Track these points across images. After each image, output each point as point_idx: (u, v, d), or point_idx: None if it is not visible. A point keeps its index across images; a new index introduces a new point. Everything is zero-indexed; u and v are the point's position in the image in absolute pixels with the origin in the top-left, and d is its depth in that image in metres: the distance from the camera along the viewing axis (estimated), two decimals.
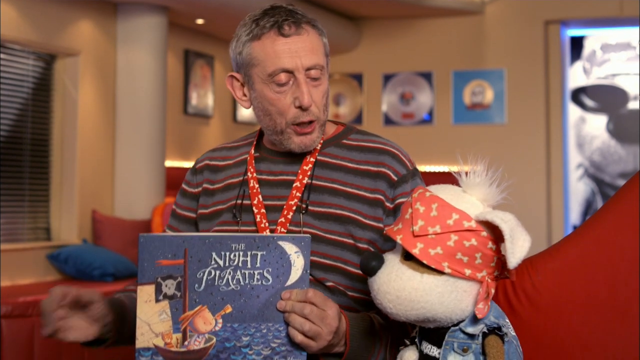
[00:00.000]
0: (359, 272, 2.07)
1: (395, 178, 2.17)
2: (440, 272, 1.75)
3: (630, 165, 9.16)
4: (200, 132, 8.50)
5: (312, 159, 2.19)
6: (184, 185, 2.36)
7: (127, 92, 7.23)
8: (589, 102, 9.38)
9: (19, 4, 6.29)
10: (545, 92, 9.22)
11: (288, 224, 2.14)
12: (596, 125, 9.35)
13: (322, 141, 2.22)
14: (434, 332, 1.81)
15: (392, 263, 1.79)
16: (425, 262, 1.74)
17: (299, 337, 1.87)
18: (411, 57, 9.58)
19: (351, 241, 2.12)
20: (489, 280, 1.77)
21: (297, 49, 2.09)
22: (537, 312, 1.97)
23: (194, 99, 8.39)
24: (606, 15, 9.01)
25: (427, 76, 9.55)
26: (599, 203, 9.26)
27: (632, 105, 9.20)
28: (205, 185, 2.30)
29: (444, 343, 1.79)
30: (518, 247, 1.70)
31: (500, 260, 1.79)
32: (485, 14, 9.36)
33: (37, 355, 5.24)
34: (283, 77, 2.10)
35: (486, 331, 1.76)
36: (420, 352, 1.85)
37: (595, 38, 9.41)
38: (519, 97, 9.25)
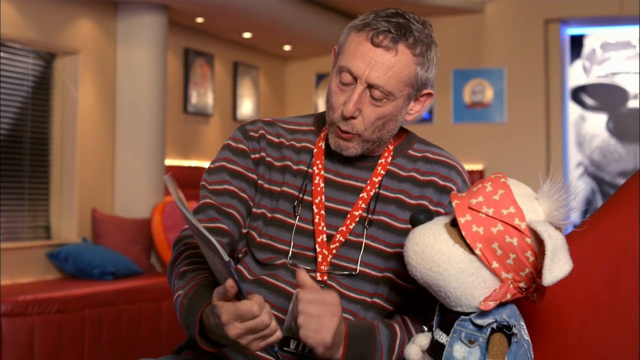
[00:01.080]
0: (404, 284, 2.09)
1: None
2: (472, 252, 1.77)
3: (630, 164, 9.16)
4: (200, 130, 8.50)
5: (383, 171, 2.14)
6: (235, 144, 2.19)
7: (127, 90, 7.23)
8: (588, 100, 9.39)
9: (19, 3, 6.29)
10: (545, 90, 9.22)
11: (348, 234, 2.09)
12: (596, 124, 9.35)
13: (392, 149, 2.17)
14: (449, 322, 1.82)
15: (437, 223, 1.83)
16: (463, 233, 1.76)
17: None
18: None
19: None
20: (511, 286, 1.77)
21: (374, 61, 2.00)
22: (535, 310, 1.97)
23: (193, 98, 8.39)
24: (606, 14, 9.02)
25: None
26: (599, 202, 9.26)
27: (632, 104, 9.21)
28: (263, 154, 2.16)
29: (451, 331, 1.80)
30: (557, 266, 1.70)
31: (531, 276, 1.78)
32: (485, 13, 9.36)
33: (37, 353, 5.24)
34: (346, 77, 2.04)
35: (495, 327, 1.77)
36: (432, 338, 1.86)
37: (595, 37, 9.41)
38: (519, 95, 9.25)
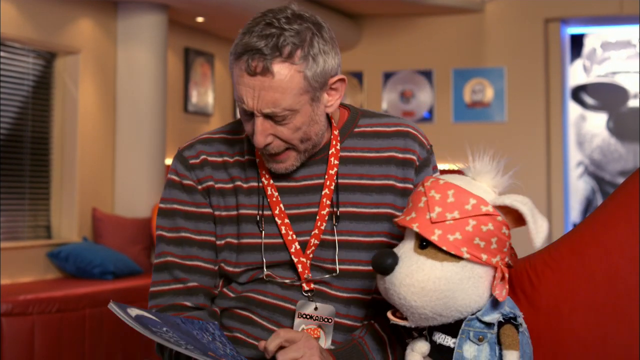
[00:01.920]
0: None
1: (418, 163, 2.11)
2: (459, 258, 1.76)
3: (630, 163, 9.16)
4: (201, 130, 8.50)
5: (336, 161, 2.08)
6: (180, 180, 2.13)
7: (128, 90, 7.23)
8: (589, 100, 9.38)
9: (19, 2, 6.29)
10: (546, 90, 9.22)
11: (322, 235, 2.05)
12: (596, 124, 9.35)
13: (337, 135, 2.10)
14: (448, 323, 1.81)
15: (408, 255, 1.78)
16: (444, 248, 1.75)
17: None
18: (411, 55, 9.58)
19: (386, 239, 2.06)
20: (502, 265, 1.79)
21: (257, 90, 1.92)
22: (536, 312, 1.97)
23: (194, 97, 8.39)
24: (606, 14, 9.01)
25: (427, 74, 9.55)
26: (599, 201, 9.26)
27: (632, 103, 9.20)
28: (210, 183, 2.09)
29: (460, 332, 1.79)
30: (540, 227, 1.75)
31: (511, 247, 1.82)
32: (485, 12, 9.35)
33: (37, 353, 5.24)
34: (242, 109, 1.98)
35: (502, 320, 1.78)
36: (433, 342, 1.84)
37: (595, 36, 9.41)
38: (519, 95, 9.25)
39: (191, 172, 2.11)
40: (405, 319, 1.81)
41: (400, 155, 2.10)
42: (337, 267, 2.05)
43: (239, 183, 2.09)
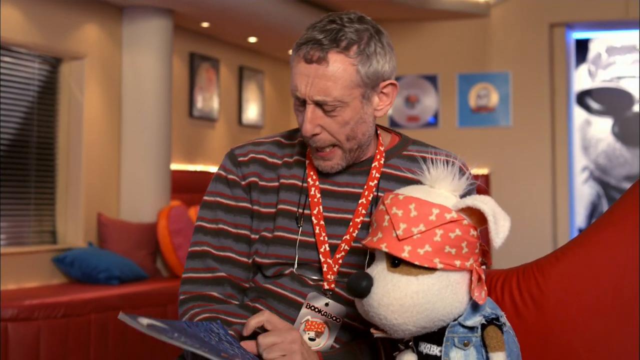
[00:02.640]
0: None
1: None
2: (433, 270, 1.76)
3: (636, 168, 9.15)
4: (206, 135, 8.50)
5: (378, 174, 2.15)
6: (226, 174, 2.22)
7: (133, 95, 7.24)
8: (594, 105, 9.38)
9: (25, 8, 6.30)
10: (551, 95, 9.22)
11: (352, 242, 2.10)
12: (601, 128, 9.34)
13: (383, 151, 2.18)
14: (432, 332, 1.81)
15: (382, 275, 1.79)
16: (417, 263, 1.75)
17: None
18: (416, 60, 9.58)
19: None
20: (477, 267, 1.79)
21: (312, 78, 2.03)
22: (543, 315, 1.97)
23: (199, 102, 8.39)
24: (611, 18, 9.01)
25: (432, 79, 9.55)
26: (605, 206, 9.25)
27: (638, 108, 9.20)
28: (253, 179, 2.19)
29: (444, 339, 1.79)
30: (501, 226, 1.74)
31: (482, 247, 1.83)
32: (490, 17, 9.36)
33: (42, 358, 5.24)
34: (297, 98, 2.07)
35: (485, 322, 1.78)
36: (420, 353, 1.84)
37: (600, 41, 9.41)
38: (524, 100, 9.25)
39: (237, 168, 2.21)
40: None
41: None
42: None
43: (283, 181, 2.17)
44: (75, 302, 5.49)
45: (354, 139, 2.09)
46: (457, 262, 1.77)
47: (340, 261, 2.10)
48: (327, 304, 2.08)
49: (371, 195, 2.13)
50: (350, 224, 2.11)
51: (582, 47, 9.43)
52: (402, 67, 9.63)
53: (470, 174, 2.11)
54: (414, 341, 1.86)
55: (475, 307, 1.79)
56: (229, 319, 2.07)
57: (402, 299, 1.75)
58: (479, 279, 1.78)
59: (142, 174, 7.19)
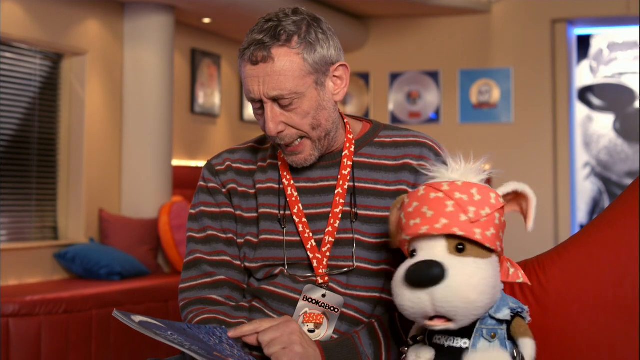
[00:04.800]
0: None
1: None
2: (490, 253, 1.79)
3: (637, 164, 9.14)
4: (207, 131, 8.51)
5: (350, 163, 2.16)
6: (206, 184, 2.26)
7: (134, 91, 7.24)
8: (595, 101, 9.38)
9: (26, 3, 6.30)
10: (552, 91, 9.22)
11: (336, 233, 2.12)
12: (603, 124, 9.34)
13: (353, 139, 2.19)
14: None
15: (451, 260, 1.75)
16: (488, 245, 1.78)
17: None
18: (418, 56, 9.58)
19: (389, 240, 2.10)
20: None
21: (262, 77, 2.05)
22: (544, 311, 1.97)
23: (200, 98, 8.39)
24: (613, 14, 9.01)
25: (433, 75, 9.55)
26: (606, 202, 9.25)
27: (639, 104, 9.19)
28: (232, 186, 2.22)
29: (474, 331, 1.79)
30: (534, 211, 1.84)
31: None
32: (491, 13, 9.35)
33: (44, 354, 5.25)
34: (254, 102, 2.09)
35: (512, 315, 1.80)
36: (440, 346, 1.83)
37: (602, 37, 9.40)
38: (526, 96, 9.25)
39: (216, 177, 2.25)
40: (450, 320, 1.76)
41: (414, 163, 2.15)
42: (355, 263, 2.11)
43: (259, 185, 2.20)
44: (76, 298, 5.49)
45: (319, 127, 2.10)
46: (501, 246, 1.83)
47: (327, 254, 2.11)
48: (324, 295, 2.10)
49: (346, 184, 2.15)
50: (330, 216, 2.13)
51: (584, 43, 9.42)
52: (403, 63, 9.63)
53: (446, 153, 2.16)
54: (428, 335, 1.86)
55: (503, 300, 1.82)
56: (227, 320, 2.10)
57: (485, 279, 1.75)
58: (509, 260, 1.86)
59: (144, 170, 7.20)
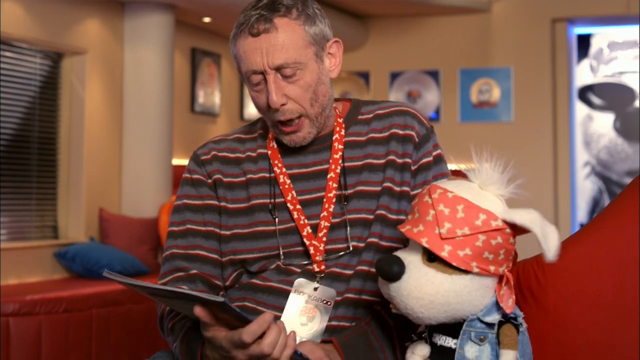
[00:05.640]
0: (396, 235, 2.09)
1: (417, 139, 2.16)
2: (468, 272, 1.76)
3: (637, 163, 9.14)
4: (208, 130, 8.51)
5: (340, 146, 2.16)
6: (190, 175, 2.22)
7: (135, 90, 7.24)
8: (596, 100, 9.37)
9: (26, 3, 6.30)
10: (552, 90, 9.21)
11: (331, 217, 2.11)
12: (603, 124, 9.33)
13: (342, 122, 2.19)
14: (448, 324, 1.81)
15: (417, 266, 1.77)
16: (454, 264, 1.74)
17: None
18: (418, 55, 9.58)
19: (384, 212, 2.10)
20: (507, 273, 1.79)
21: (265, 48, 2.04)
22: (543, 311, 1.97)
23: (201, 97, 8.39)
24: (613, 13, 9.00)
25: (434, 74, 9.54)
26: (606, 201, 9.25)
27: (639, 103, 9.19)
28: (217, 176, 2.18)
29: (461, 332, 1.79)
30: (551, 241, 1.73)
31: (516, 252, 1.83)
32: (492, 12, 9.35)
33: (44, 353, 5.25)
34: (255, 77, 2.07)
35: (502, 320, 1.78)
36: (434, 344, 1.84)
37: (602, 36, 9.40)
38: (526, 95, 9.24)
39: (201, 167, 2.21)
40: None
41: (400, 132, 2.16)
42: (350, 244, 2.10)
43: (250, 176, 2.17)
44: (76, 297, 5.49)
45: (317, 102, 2.09)
46: (492, 268, 1.76)
47: (324, 239, 2.09)
48: (315, 289, 2.08)
49: (338, 167, 2.14)
50: (325, 200, 2.12)
51: (584, 42, 9.42)
52: (403, 62, 9.63)
53: (428, 120, 2.16)
54: (428, 332, 1.86)
55: (496, 304, 1.80)
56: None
57: (434, 295, 1.75)
58: (508, 283, 1.79)
59: (144, 169, 7.20)
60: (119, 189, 7.24)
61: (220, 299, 1.72)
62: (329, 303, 2.07)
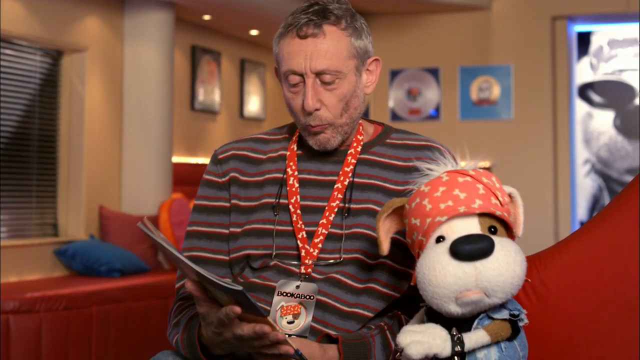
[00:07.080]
0: (402, 268, 2.11)
1: None
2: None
3: (637, 161, 9.14)
4: (207, 128, 8.51)
5: (354, 160, 2.18)
6: (207, 177, 2.28)
7: (134, 88, 7.24)
8: (596, 98, 9.37)
9: (26, 0, 6.29)
10: (552, 88, 9.21)
11: (330, 226, 2.13)
12: (603, 121, 9.33)
13: (362, 142, 2.21)
14: (464, 320, 1.79)
15: (494, 239, 1.73)
16: (518, 233, 1.85)
17: None
18: (418, 53, 9.57)
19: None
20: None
21: (310, 52, 2.07)
22: (544, 308, 1.97)
23: (200, 95, 8.39)
24: (613, 11, 9.00)
25: (434, 72, 9.54)
26: (606, 199, 9.25)
27: (639, 101, 9.19)
28: (233, 174, 2.23)
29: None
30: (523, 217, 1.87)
31: None
32: (492, 10, 9.35)
33: (44, 350, 5.25)
34: (293, 78, 2.10)
35: (508, 317, 1.78)
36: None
37: (602, 34, 9.40)
38: (526, 93, 9.24)
39: (217, 166, 2.27)
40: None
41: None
42: (342, 255, 2.11)
43: (267, 176, 2.21)
44: (76, 294, 5.49)
45: (346, 113, 2.13)
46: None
47: (319, 245, 2.11)
48: (298, 286, 2.10)
49: (347, 180, 2.16)
50: (326, 209, 2.14)
51: (584, 40, 9.42)
52: (403, 60, 9.62)
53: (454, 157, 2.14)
54: None
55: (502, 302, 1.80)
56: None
57: (521, 263, 1.74)
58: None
59: (144, 167, 7.20)
60: (119, 187, 7.24)
61: (239, 287, 1.75)
62: (312, 297, 2.09)
